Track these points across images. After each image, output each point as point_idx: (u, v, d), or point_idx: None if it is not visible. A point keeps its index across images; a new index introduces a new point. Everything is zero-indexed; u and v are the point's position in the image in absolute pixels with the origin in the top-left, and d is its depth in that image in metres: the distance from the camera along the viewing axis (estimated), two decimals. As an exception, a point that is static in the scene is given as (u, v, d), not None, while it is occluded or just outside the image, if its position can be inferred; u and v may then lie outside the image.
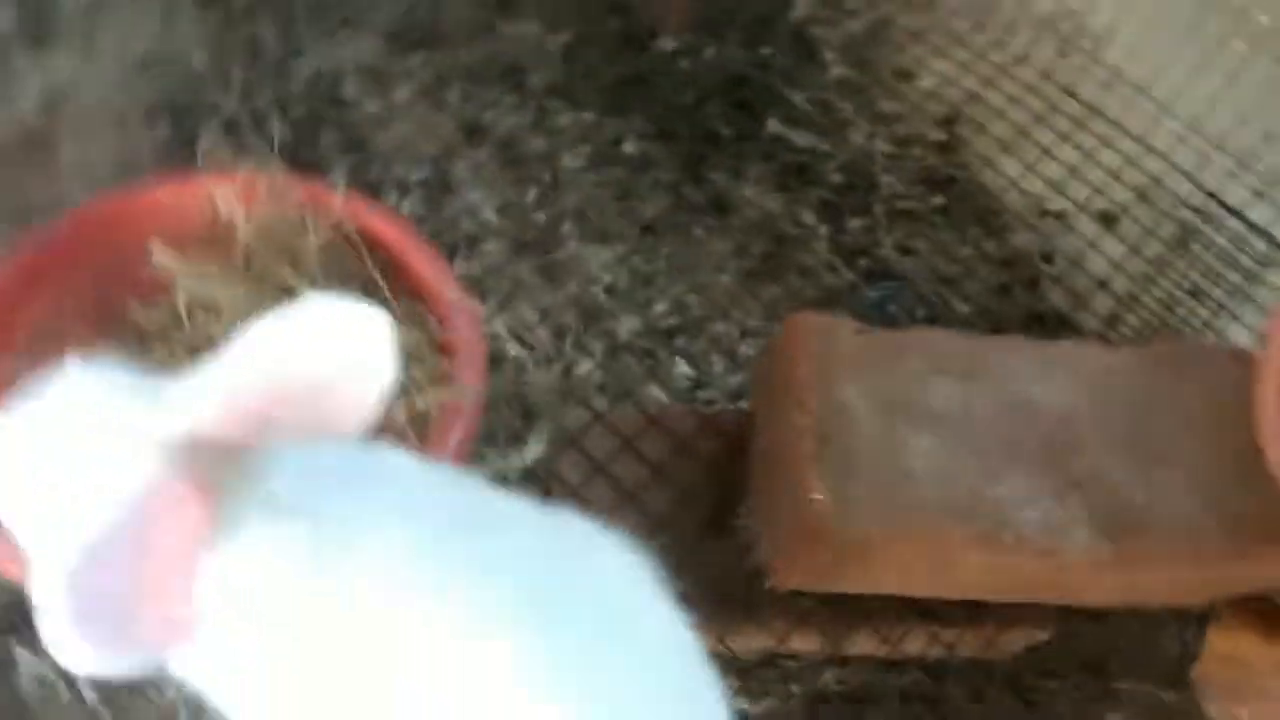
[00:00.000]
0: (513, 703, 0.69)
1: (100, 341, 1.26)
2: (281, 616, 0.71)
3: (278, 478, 0.71)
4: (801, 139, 1.95)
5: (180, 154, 1.57)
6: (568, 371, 1.55)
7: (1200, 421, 1.23)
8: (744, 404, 1.58)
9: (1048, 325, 1.77)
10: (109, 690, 1.22)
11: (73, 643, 0.54)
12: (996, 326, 1.77)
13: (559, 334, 1.60)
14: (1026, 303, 1.82)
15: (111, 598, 0.56)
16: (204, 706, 0.80)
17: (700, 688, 0.84)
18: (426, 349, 1.28)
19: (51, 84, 1.67)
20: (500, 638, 0.69)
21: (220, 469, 0.66)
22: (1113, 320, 1.72)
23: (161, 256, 1.30)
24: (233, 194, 1.33)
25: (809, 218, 1.85)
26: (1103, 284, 1.80)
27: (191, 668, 0.77)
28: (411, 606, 0.70)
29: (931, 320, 1.76)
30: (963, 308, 1.78)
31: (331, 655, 0.72)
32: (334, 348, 0.66)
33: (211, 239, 1.36)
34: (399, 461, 0.82)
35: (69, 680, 1.22)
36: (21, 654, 1.24)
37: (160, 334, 1.28)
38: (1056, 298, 1.83)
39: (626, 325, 1.66)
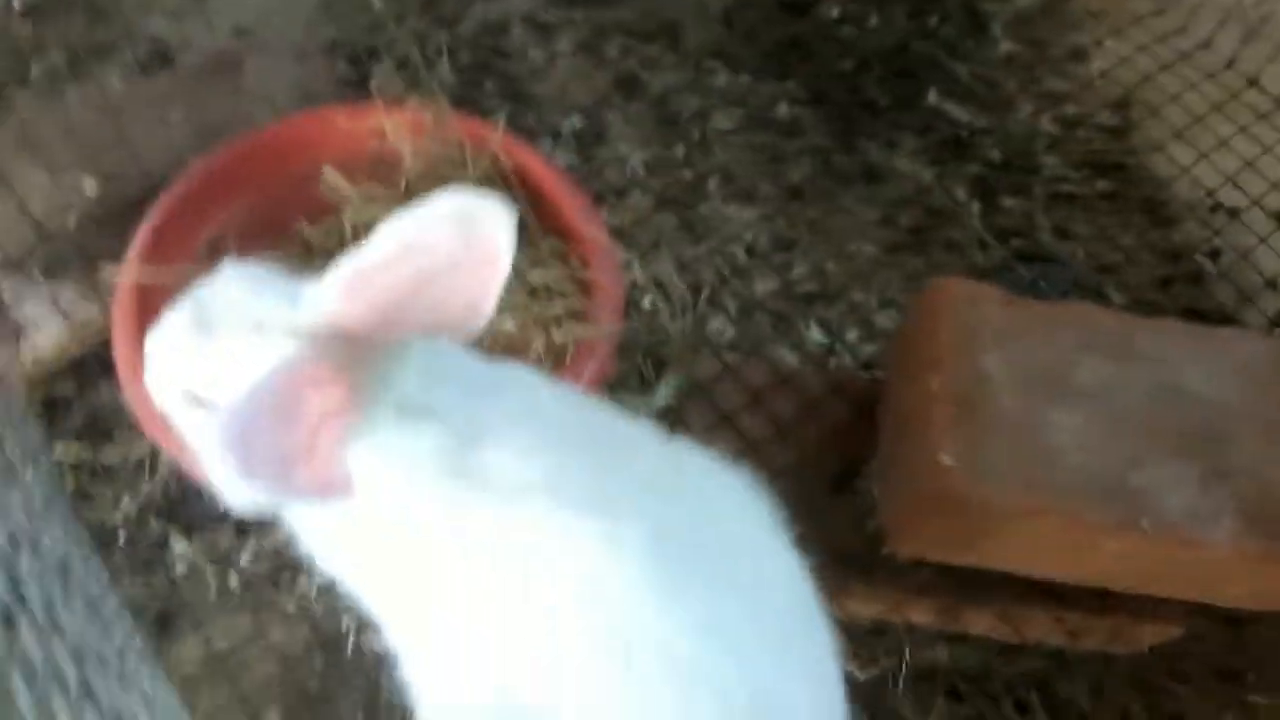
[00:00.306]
0: (629, 615, 0.71)
1: (270, 255, 1.35)
2: (409, 511, 0.76)
3: (409, 379, 0.75)
4: (961, 113, 1.90)
5: (354, 88, 1.66)
6: (701, 324, 1.56)
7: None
8: (876, 374, 1.55)
9: (1209, 323, 1.68)
10: (251, 579, 1.31)
11: (241, 486, 0.61)
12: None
13: (696, 288, 1.61)
14: (1188, 298, 1.73)
15: (269, 452, 0.63)
16: (335, 586, 0.85)
17: (812, 628, 0.85)
18: (568, 285, 1.32)
19: (243, 17, 1.78)
20: (623, 555, 0.71)
21: (356, 361, 0.72)
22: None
23: (333, 179, 1.37)
24: (401, 126, 1.40)
25: (962, 193, 1.80)
26: (1271, 283, 1.70)
27: (326, 544, 0.83)
28: (535, 512, 0.73)
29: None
30: (1119, 297, 1.70)
31: (453, 550, 0.76)
32: (456, 232, 0.69)
33: (378, 166, 1.43)
34: (526, 376, 0.86)
35: (218, 567, 1.32)
36: (176, 541, 1.34)
37: (326, 251, 1.36)
38: (1221, 294, 1.73)
39: (763, 285, 1.66)
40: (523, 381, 0.84)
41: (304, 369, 0.68)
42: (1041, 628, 1.25)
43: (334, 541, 0.81)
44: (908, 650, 1.34)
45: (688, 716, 0.67)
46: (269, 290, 0.76)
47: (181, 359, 0.76)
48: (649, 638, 0.67)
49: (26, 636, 0.58)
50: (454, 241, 0.68)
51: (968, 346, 1.16)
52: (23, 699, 0.50)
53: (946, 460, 1.08)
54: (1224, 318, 1.70)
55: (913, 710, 1.33)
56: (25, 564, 0.70)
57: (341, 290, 0.70)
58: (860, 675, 1.35)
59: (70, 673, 0.63)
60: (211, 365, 0.74)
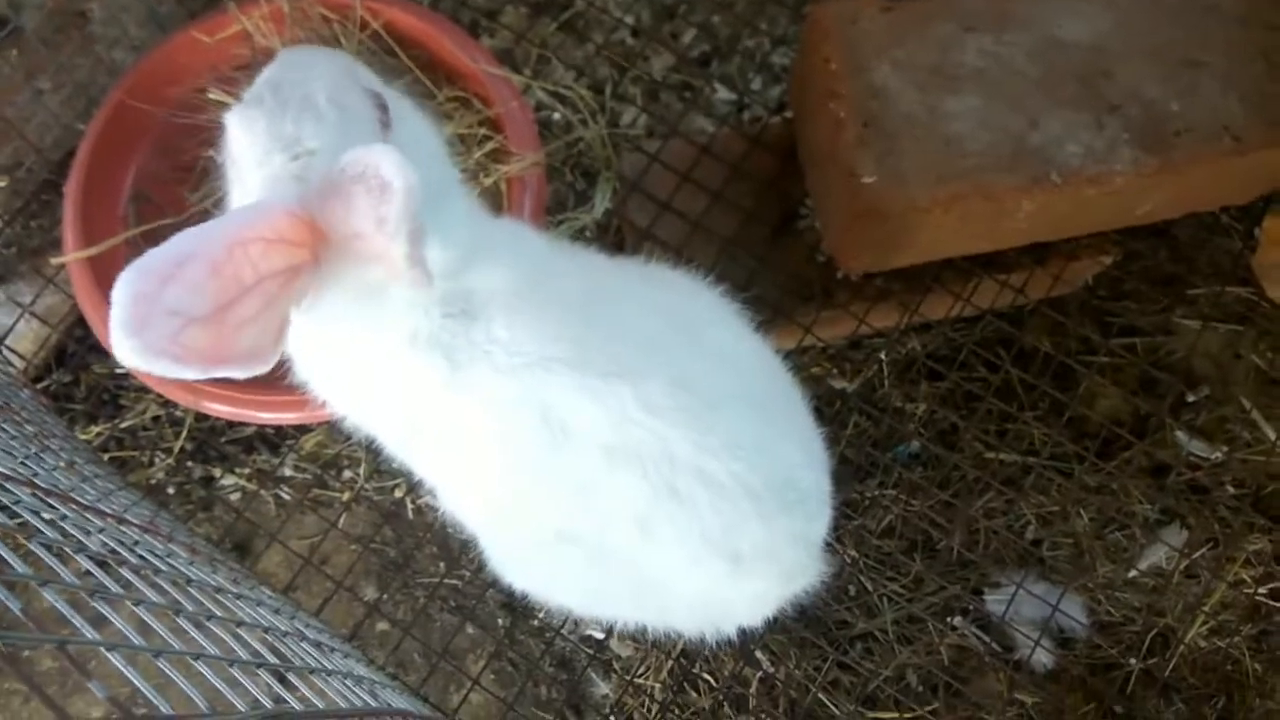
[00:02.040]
0: (665, 451, 0.80)
1: (191, 191, 1.38)
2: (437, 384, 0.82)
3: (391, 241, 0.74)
4: None
5: (203, 2, 1.62)
6: (614, 122, 1.61)
7: (1233, 16, 1.24)
8: (788, 114, 1.62)
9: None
10: (301, 485, 1.43)
11: (129, 335, 0.61)
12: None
13: (597, 88, 1.65)
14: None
15: (173, 302, 0.62)
16: (379, 466, 0.95)
17: (792, 399, 0.99)
18: (480, 129, 1.36)
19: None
20: (652, 406, 0.80)
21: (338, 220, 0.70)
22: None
23: (217, 97, 1.38)
24: (262, 24, 1.39)
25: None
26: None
27: (382, 429, 0.91)
28: (564, 381, 0.80)
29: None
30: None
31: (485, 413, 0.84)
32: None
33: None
34: (517, 229, 0.94)
35: (268, 486, 1.43)
36: (221, 475, 1.45)
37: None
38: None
39: (659, 63, 1.69)
40: (517, 234, 0.93)
41: (274, 218, 0.68)
42: (990, 294, 1.38)
43: (387, 424, 0.90)
44: (884, 353, 1.48)
45: (723, 514, 0.81)
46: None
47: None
48: (685, 465, 0.79)
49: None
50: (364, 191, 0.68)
51: (858, 66, 1.23)
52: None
53: (866, 179, 1.17)
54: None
55: (902, 398, 1.49)
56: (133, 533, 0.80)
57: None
58: (851, 386, 1.51)
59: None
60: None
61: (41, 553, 0.56)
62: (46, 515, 0.69)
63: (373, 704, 0.76)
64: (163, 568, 0.70)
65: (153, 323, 0.60)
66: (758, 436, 0.85)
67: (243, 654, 0.60)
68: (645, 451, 0.79)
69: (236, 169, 0.79)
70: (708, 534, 0.83)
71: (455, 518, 0.96)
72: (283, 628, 0.79)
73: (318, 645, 0.83)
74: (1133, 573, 1.42)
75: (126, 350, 0.60)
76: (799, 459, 0.91)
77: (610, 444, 0.79)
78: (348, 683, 0.78)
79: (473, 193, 1.12)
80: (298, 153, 0.75)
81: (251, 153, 0.76)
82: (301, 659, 0.73)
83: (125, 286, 0.60)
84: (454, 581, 1.39)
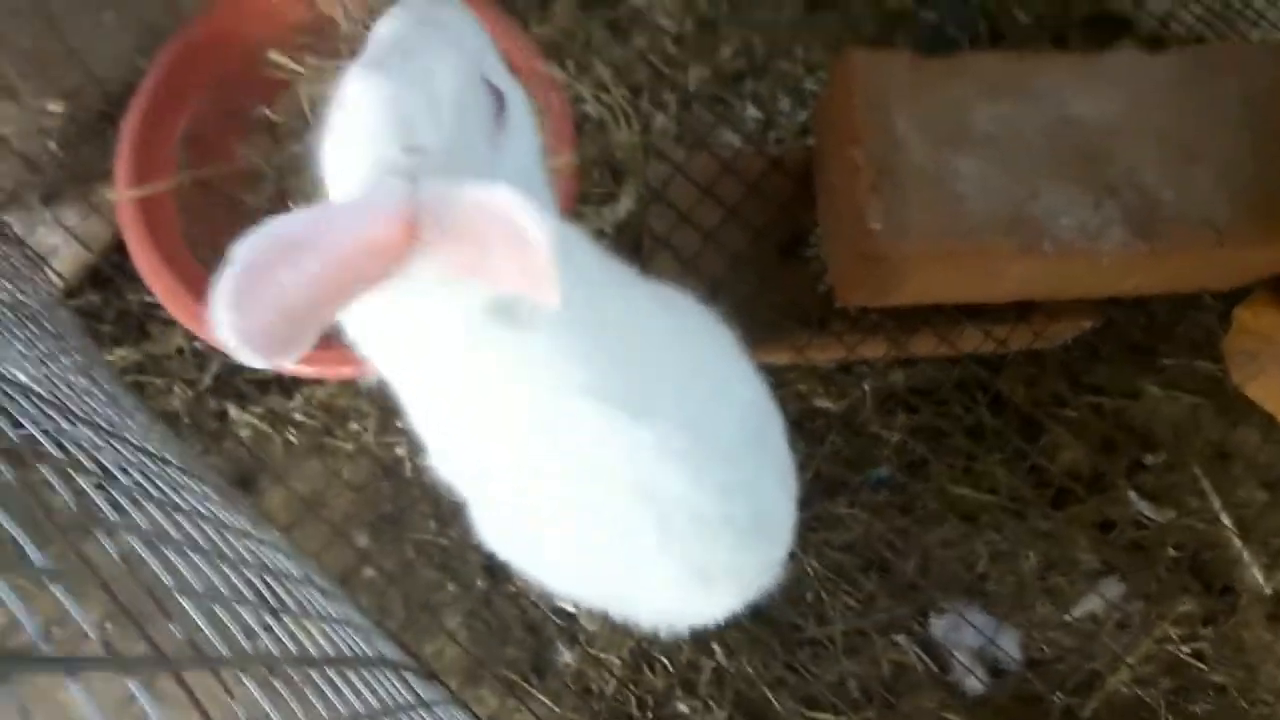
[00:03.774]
0: (663, 488, 0.86)
1: (240, 141, 1.46)
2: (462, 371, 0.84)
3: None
4: None
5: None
6: (646, 127, 1.69)
7: (1234, 119, 1.32)
8: (810, 140, 1.69)
9: (1107, 29, 1.80)
10: (310, 430, 1.52)
11: (239, 335, 0.59)
12: (1058, 34, 1.81)
13: (635, 90, 1.72)
14: (1085, 7, 1.84)
15: (277, 302, 0.61)
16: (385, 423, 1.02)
17: (775, 429, 1.03)
18: (521, 123, 1.43)
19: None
20: (664, 452, 0.84)
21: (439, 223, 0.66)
22: (1166, 20, 1.75)
23: (278, 59, 1.45)
24: (328, -12, 1.46)
25: (867, -58, 1.86)
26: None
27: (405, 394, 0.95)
28: (581, 407, 0.83)
29: (994, 35, 1.81)
30: (1024, 17, 1.82)
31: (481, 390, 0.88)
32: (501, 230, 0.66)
33: (314, 34, 1.49)
34: (574, 237, 0.91)
35: (278, 426, 1.52)
36: (235, 412, 1.53)
37: (290, 129, 1.46)
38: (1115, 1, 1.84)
39: (696, 73, 1.76)
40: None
41: (377, 219, 0.64)
42: (973, 341, 1.47)
43: (411, 390, 0.90)
44: (868, 381, 1.58)
45: (705, 545, 0.88)
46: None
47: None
48: (681, 507, 0.85)
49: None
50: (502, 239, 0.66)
51: (880, 115, 1.31)
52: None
53: (874, 225, 1.26)
54: (1119, 21, 1.82)
55: (880, 426, 1.59)
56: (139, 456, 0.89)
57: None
58: (834, 407, 1.60)
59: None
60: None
61: (122, 499, 0.64)
62: (98, 450, 0.78)
63: (369, 653, 0.85)
64: (204, 512, 0.79)
65: (259, 300, 0.59)
66: (747, 475, 0.92)
67: (251, 596, 0.68)
68: (646, 482, 0.84)
69: (341, 134, 0.73)
70: (688, 559, 0.89)
71: (450, 481, 0.98)
72: (295, 574, 0.88)
73: (323, 592, 0.93)
74: (1069, 616, 1.52)
75: (240, 338, 0.59)
76: (777, 492, 0.98)
77: (619, 474, 0.84)
78: (348, 629, 0.88)
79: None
80: (410, 145, 0.69)
81: (368, 124, 0.70)
82: (314, 607, 0.82)
83: (236, 277, 0.59)
84: (444, 541, 1.49)
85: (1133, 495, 1.58)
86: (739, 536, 0.90)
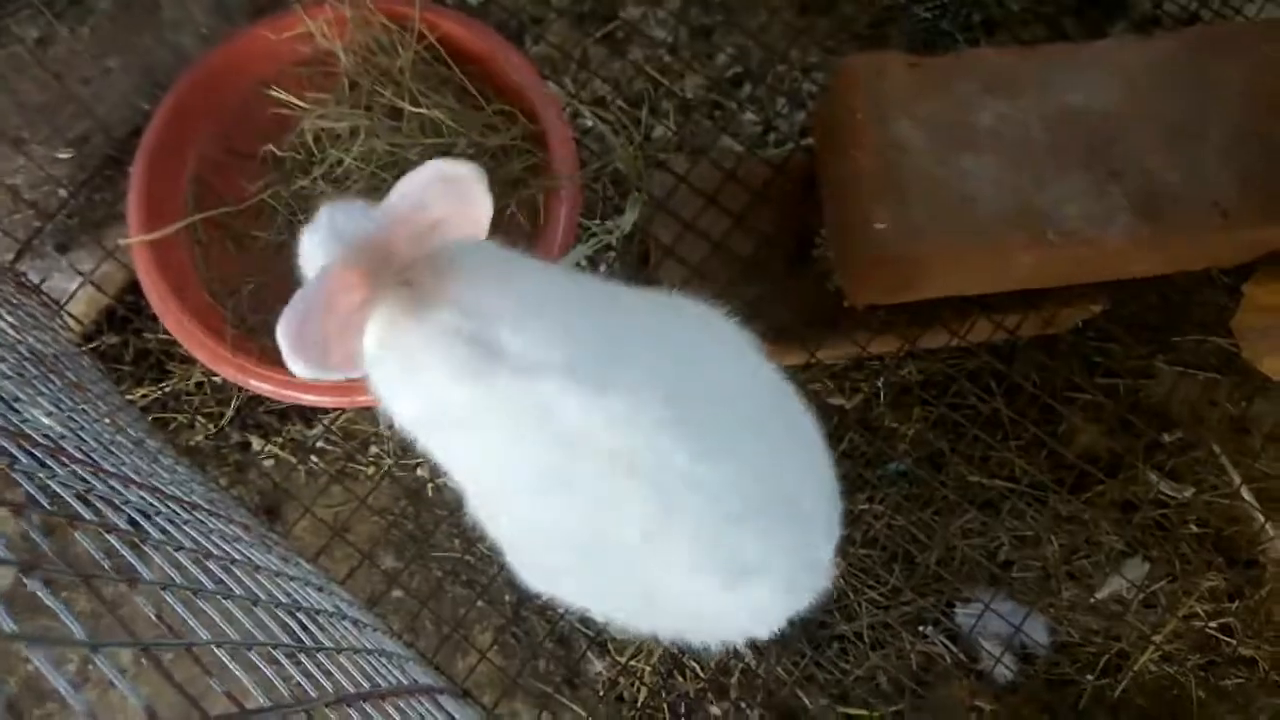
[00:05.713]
0: (658, 464, 0.85)
1: (248, 179, 1.48)
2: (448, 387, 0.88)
3: (422, 274, 0.88)
4: None
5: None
6: (647, 138, 1.70)
7: (1234, 98, 1.33)
8: (810, 141, 1.70)
9: (1100, 13, 1.80)
10: (331, 458, 1.54)
11: (295, 363, 0.81)
12: (1052, 20, 1.81)
13: (634, 102, 1.73)
14: (1082, -12, 1.85)
15: (312, 338, 0.82)
16: (406, 447, 1.03)
17: (803, 424, 1.03)
18: (523, 144, 1.45)
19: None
20: (647, 422, 0.84)
21: (376, 267, 0.87)
22: (1160, 1, 1.75)
23: (280, 96, 1.47)
24: (326, 26, 1.47)
25: (855, -62, 1.87)
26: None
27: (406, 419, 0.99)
28: (554, 386, 0.85)
29: (987, 26, 1.81)
30: (1015, 6, 1.82)
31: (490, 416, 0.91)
32: (444, 191, 0.86)
33: (316, 69, 1.51)
34: (528, 262, 1.00)
35: (300, 455, 1.54)
36: (257, 443, 1.56)
37: (298, 165, 1.48)
38: (1112, -20, 1.84)
39: (693, 81, 1.78)
40: (528, 267, 0.97)
41: (341, 274, 0.85)
42: (984, 331, 1.48)
43: (408, 414, 0.95)
44: (882, 377, 1.59)
45: (717, 524, 0.87)
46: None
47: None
48: (680, 480, 0.84)
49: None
50: (445, 200, 0.84)
51: (882, 119, 1.31)
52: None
53: (880, 226, 1.26)
54: (1116, 3, 1.82)
55: (895, 420, 1.60)
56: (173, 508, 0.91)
57: (370, 227, 0.87)
58: (848, 404, 1.61)
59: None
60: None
61: (155, 555, 0.66)
62: (132, 504, 0.80)
63: (404, 681, 0.87)
64: (236, 556, 0.81)
65: (307, 344, 0.81)
66: (756, 451, 0.92)
67: (287, 639, 0.70)
68: (640, 461, 0.84)
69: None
70: (703, 542, 0.88)
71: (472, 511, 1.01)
72: (329, 609, 0.90)
73: (355, 623, 0.95)
74: (1094, 598, 1.53)
75: (297, 365, 0.80)
76: (804, 480, 0.96)
77: (608, 450, 0.84)
78: (381, 659, 0.89)
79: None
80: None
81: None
82: (348, 640, 0.84)
83: (284, 324, 0.80)
84: (470, 559, 1.51)
85: (1152, 475, 1.59)
86: (757, 517, 0.88)
